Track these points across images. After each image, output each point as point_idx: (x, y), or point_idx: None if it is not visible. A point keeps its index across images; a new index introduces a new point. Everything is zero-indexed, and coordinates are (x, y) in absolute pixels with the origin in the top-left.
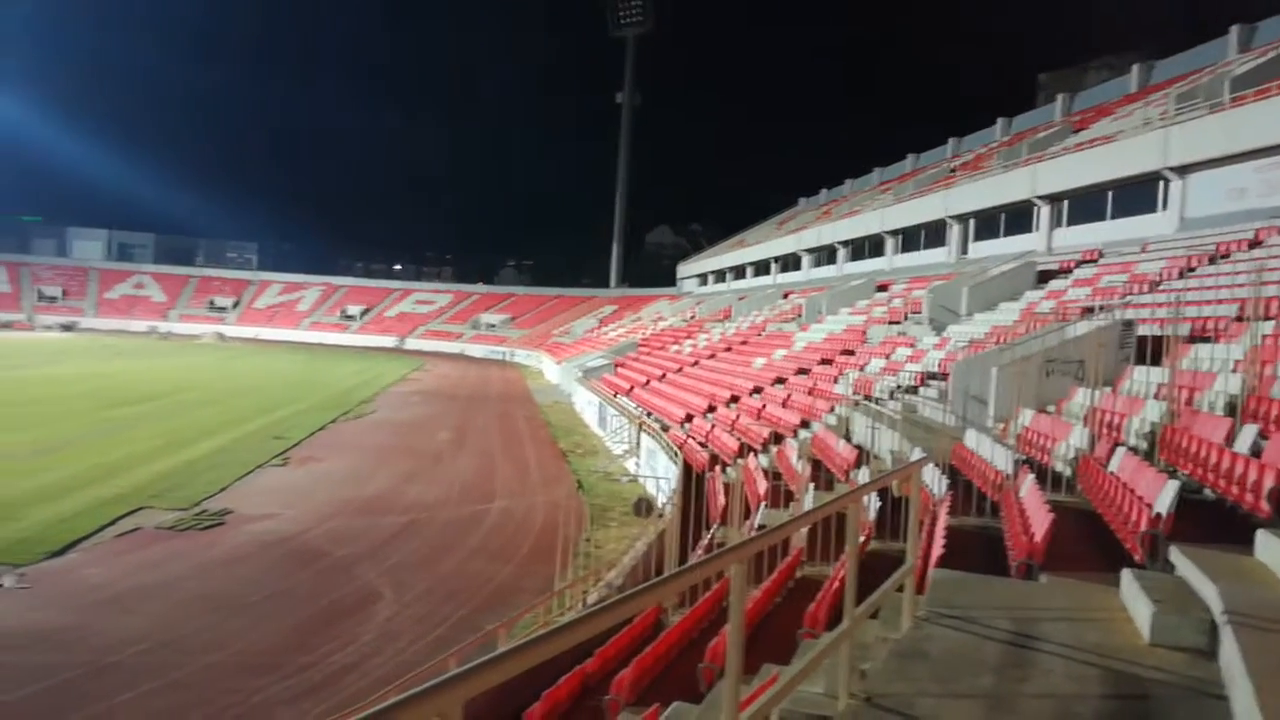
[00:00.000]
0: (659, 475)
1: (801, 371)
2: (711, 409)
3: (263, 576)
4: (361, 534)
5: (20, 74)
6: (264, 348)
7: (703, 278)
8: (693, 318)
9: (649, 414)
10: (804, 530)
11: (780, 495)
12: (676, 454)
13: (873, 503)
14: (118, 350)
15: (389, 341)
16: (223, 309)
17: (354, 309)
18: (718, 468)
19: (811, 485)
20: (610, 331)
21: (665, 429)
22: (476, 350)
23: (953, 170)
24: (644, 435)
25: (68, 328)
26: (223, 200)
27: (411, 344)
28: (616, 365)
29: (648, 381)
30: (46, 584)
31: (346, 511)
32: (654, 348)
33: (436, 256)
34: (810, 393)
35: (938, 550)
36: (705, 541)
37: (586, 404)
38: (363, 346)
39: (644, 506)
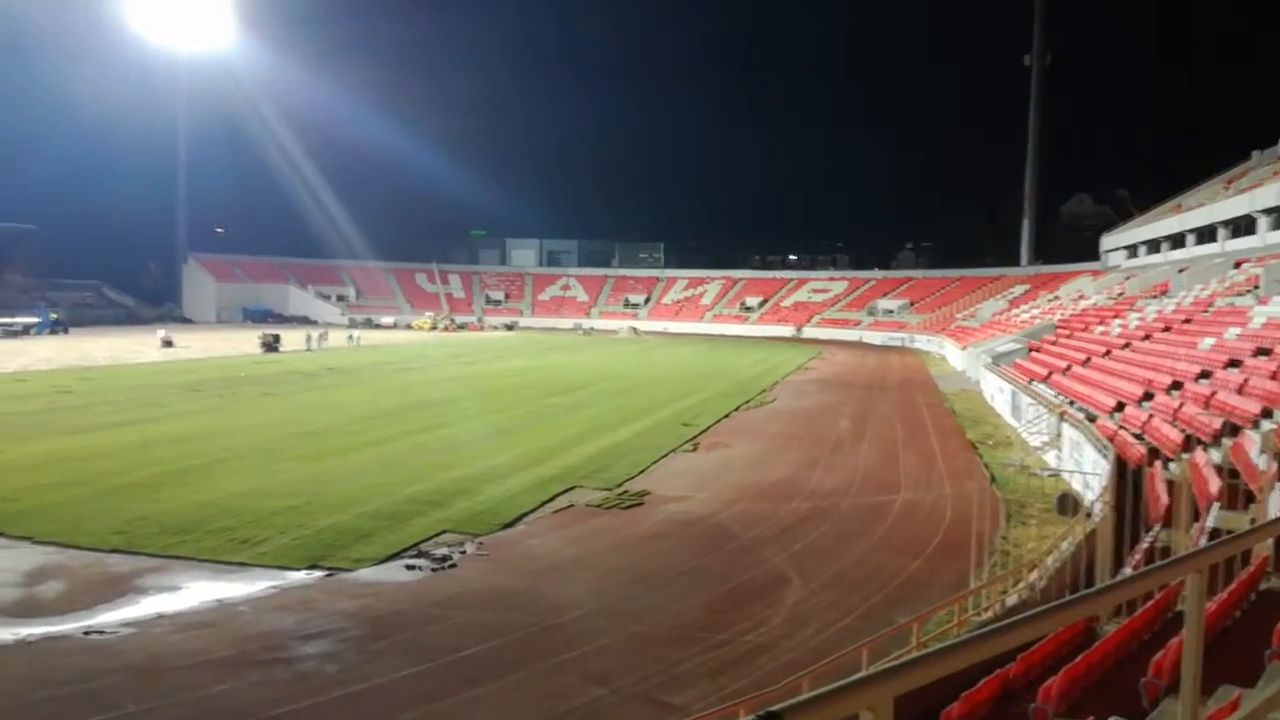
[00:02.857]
0: (1085, 470)
1: (1261, 352)
2: (1148, 396)
3: (679, 554)
4: (767, 518)
5: (469, 125)
6: (672, 340)
7: (1132, 249)
8: (1121, 294)
9: (1071, 402)
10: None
11: (1237, 495)
12: (1107, 447)
13: None
14: (551, 345)
15: (786, 331)
16: (635, 305)
17: (752, 300)
18: (1157, 463)
19: (1278, 484)
20: (1022, 313)
21: (1092, 419)
22: (874, 337)
23: None
24: (1066, 426)
25: (510, 327)
26: (634, 206)
27: (808, 332)
28: (1031, 349)
29: (1069, 367)
30: (500, 552)
31: (751, 496)
32: (1075, 329)
33: (830, 244)
34: (1274, 377)
35: None
36: (1144, 545)
37: (997, 391)
38: (761, 336)
39: (1069, 504)
